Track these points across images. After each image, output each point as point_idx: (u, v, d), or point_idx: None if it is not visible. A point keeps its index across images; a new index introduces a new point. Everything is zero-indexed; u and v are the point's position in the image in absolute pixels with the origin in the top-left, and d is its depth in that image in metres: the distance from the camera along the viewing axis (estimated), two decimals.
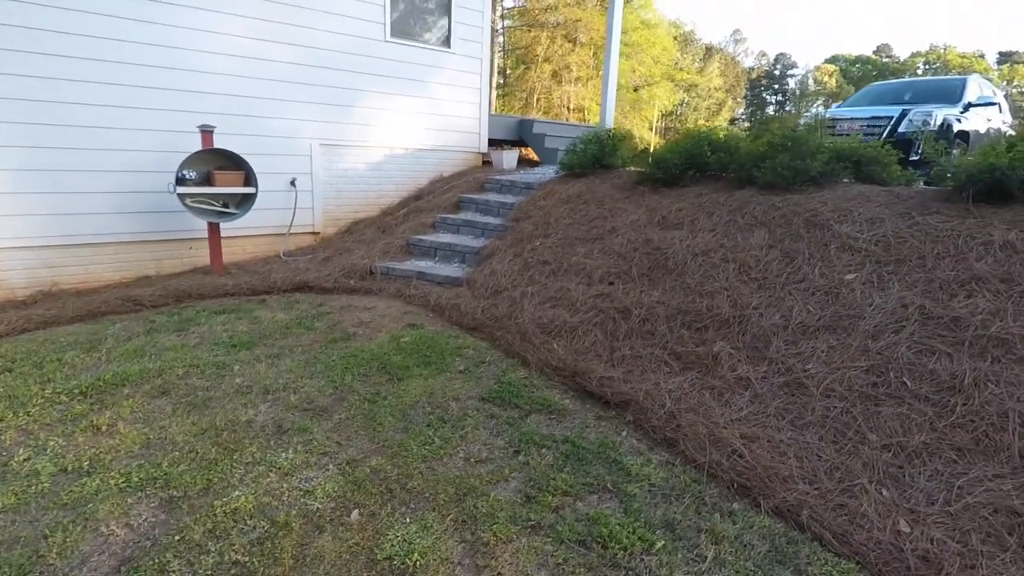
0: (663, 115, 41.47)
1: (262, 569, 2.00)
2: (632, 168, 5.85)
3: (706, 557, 2.05)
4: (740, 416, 2.71)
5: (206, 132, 5.19)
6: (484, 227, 5.66)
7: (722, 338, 3.21)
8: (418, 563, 2.02)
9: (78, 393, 3.22)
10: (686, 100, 44.33)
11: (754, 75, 56.94)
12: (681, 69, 40.01)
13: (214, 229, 5.43)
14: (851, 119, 7.10)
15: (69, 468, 2.56)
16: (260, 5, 5.81)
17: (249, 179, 5.40)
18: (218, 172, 5.29)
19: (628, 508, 2.30)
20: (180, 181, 5.11)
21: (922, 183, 4.60)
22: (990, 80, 10.95)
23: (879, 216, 3.70)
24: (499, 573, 1.98)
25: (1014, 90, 48.08)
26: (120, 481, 2.46)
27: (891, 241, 3.46)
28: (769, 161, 4.41)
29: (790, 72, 58.60)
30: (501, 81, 31.07)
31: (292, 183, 6.33)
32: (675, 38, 38.48)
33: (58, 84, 4.93)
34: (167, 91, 5.42)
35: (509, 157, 7.53)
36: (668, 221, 4.42)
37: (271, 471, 2.54)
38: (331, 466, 2.59)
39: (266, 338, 4.01)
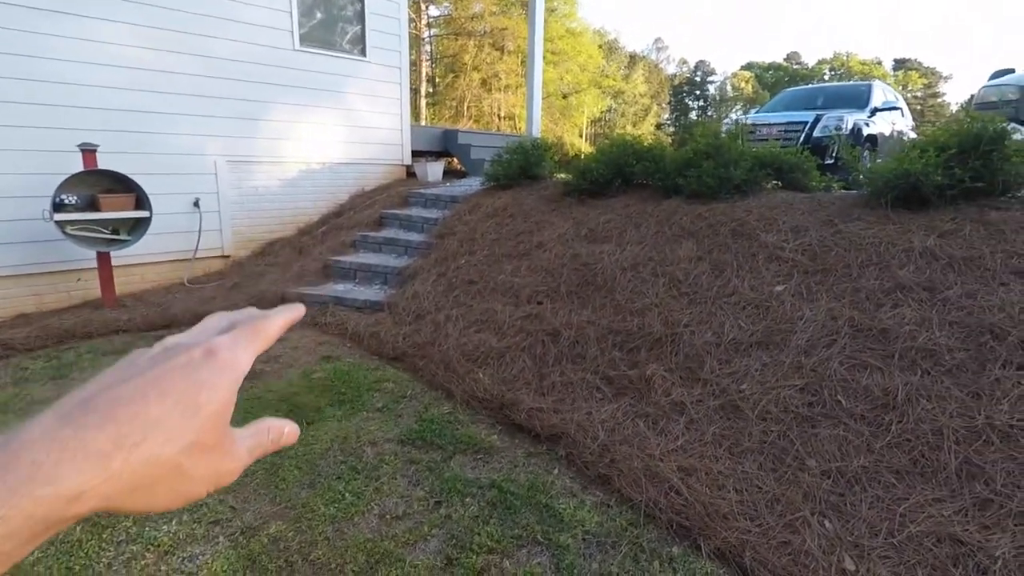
0: (592, 121, 42.29)
1: None
2: (560, 177, 5.71)
3: None
4: (676, 446, 2.55)
5: (88, 151, 4.63)
6: (407, 245, 5.36)
7: (655, 359, 3.06)
8: None
9: None
10: (613, 106, 45.41)
11: (676, 81, 59.10)
12: (607, 76, 40.98)
13: (104, 258, 4.87)
14: (769, 124, 7.27)
15: None
16: (151, 12, 5.28)
17: (141, 202, 4.87)
18: (104, 196, 4.73)
19: (560, 563, 2.07)
20: (58, 207, 4.53)
21: (839, 188, 4.68)
22: (890, 85, 11.64)
23: (803, 224, 3.68)
24: None
25: (909, 94, 52.08)
26: None
27: (816, 250, 3.43)
28: (694, 170, 4.36)
29: (710, 79, 61.18)
30: (431, 90, 30.72)
31: (196, 204, 5.80)
32: (600, 46, 39.36)
33: None
34: (39, 106, 4.81)
35: (434, 169, 7.26)
36: (596, 234, 4.28)
37: (147, 550, 2.16)
38: (221, 537, 2.23)
39: None
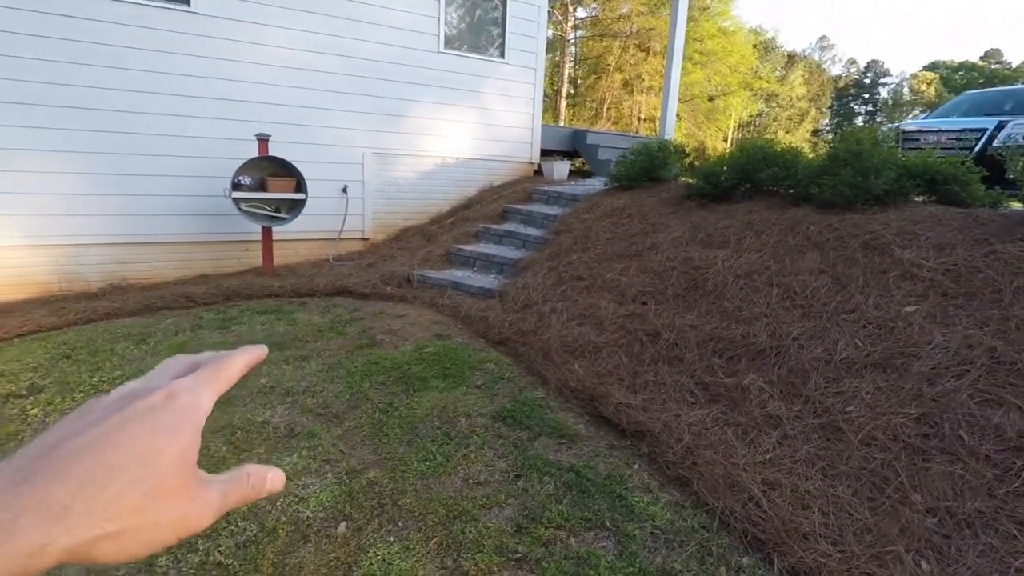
0: (740, 126, 39.97)
1: (241, 574, 1.99)
2: (684, 181, 5.59)
3: None
4: (764, 459, 2.47)
5: (262, 140, 5.39)
6: (525, 239, 5.57)
7: (755, 370, 2.95)
8: None
9: (120, 384, 3.38)
10: (765, 110, 42.54)
11: (841, 83, 53.92)
12: (760, 78, 38.44)
13: (266, 233, 5.64)
14: (937, 131, 6.50)
15: None
16: (315, 19, 6.00)
17: (300, 186, 5.57)
18: (271, 179, 5.49)
19: (624, 551, 2.13)
20: (236, 186, 5.33)
21: (1012, 205, 4.11)
22: None
23: (950, 242, 3.31)
24: None
25: None
26: None
27: (962, 271, 3.08)
28: (828, 177, 4.08)
29: (882, 80, 55.04)
30: (571, 91, 30.95)
31: (344, 190, 6.49)
32: (755, 46, 37.02)
33: (133, 95, 5.28)
34: (225, 101, 5.68)
35: (560, 168, 7.41)
36: (712, 239, 4.16)
37: None
38: (330, 474, 2.57)
39: (298, 340, 4.09)
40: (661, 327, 3.45)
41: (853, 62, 56.52)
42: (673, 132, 8.50)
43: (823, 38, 66.31)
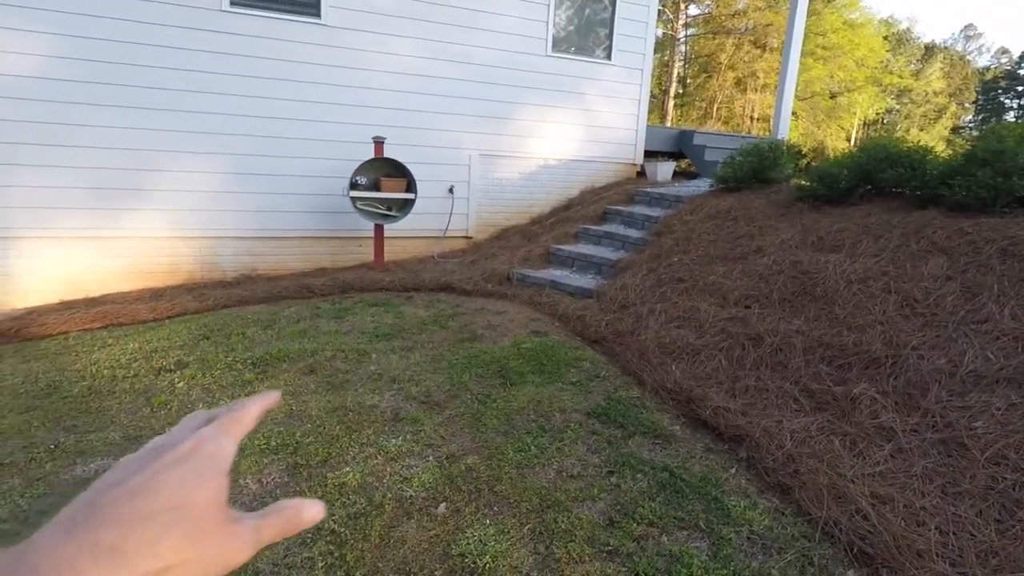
0: (865, 124, 36.85)
1: (352, 542, 2.20)
2: (796, 183, 5.32)
3: None
4: (875, 471, 2.34)
5: (378, 143, 5.80)
6: (625, 240, 5.56)
7: (867, 379, 2.79)
8: (488, 566, 2.06)
9: (250, 363, 3.81)
10: (895, 107, 38.91)
11: (989, 76, 48.17)
12: (891, 72, 35.20)
13: (378, 230, 6.05)
14: None
15: None
16: (432, 27, 6.34)
17: (410, 186, 5.92)
18: (385, 179, 5.88)
19: (718, 552, 2.11)
20: (353, 186, 5.77)
21: None
22: None
23: None
24: None
25: None
26: (262, 443, 2.86)
27: None
28: (962, 178, 3.73)
29: None
30: (680, 91, 30.06)
31: (450, 190, 6.80)
32: (885, 38, 33.97)
33: (265, 102, 5.88)
34: (346, 106, 6.17)
35: (664, 169, 7.29)
36: (825, 243, 3.95)
37: (380, 454, 2.77)
38: (432, 458, 2.75)
39: (404, 332, 4.37)
40: (764, 332, 3.34)
41: (1004, 51, 50.29)
42: (787, 131, 8.08)
43: (969, 26, 59.50)
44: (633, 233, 5.64)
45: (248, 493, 2.48)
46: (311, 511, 0.40)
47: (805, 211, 4.56)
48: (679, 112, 29.93)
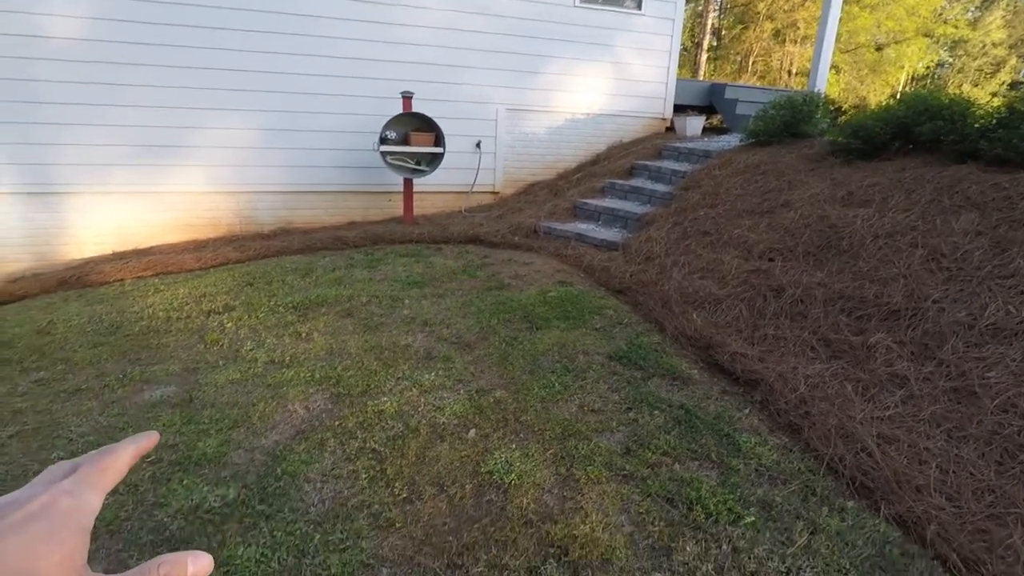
0: (913, 79, 34.95)
1: (391, 459, 2.42)
2: (829, 137, 5.23)
3: (795, 543, 1.97)
4: (883, 415, 2.44)
5: (406, 97, 5.86)
6: (651, 194, 5.58)
7: (885, 330, 2.86)
8: (513, 482, 2.26)
9: (291, 307, 4.04)
10: (948, 60, 36.73)
11: None
12: (945, 22, 33.11)
13: (408, 184, 6.17)
14: None
15: (276, 360, 3.28)
16: None
17: (439, 140, 6.00)
18: (414, 133, 5.96)
19: (726, 480, 2.27)
20: (383, 141, 5.88)
21: None
22: None
23: None
24: (582, 507, 2.14)
25: None
26: (306, 375, 3.09)
27: None
28: (1004, 131, 3.66)
29: None
30: (714, 43, 28.87)
31: (477, 145, 6.85)
32: None
33: (298, 59, 5.97)
34: (377, 62, 6.21)
35: (693, 124, 7.19)
36: (854, 197, 3.94)
37: (414, 387, 2.97)
38: (462, 391, 2.94)
39: (435, 280, 4.54)
40: (786, 283, 3.40)
41: None
42: (825, 85, 7.83)
43: None
44: (660, 188, 5.66)
45: (297, 417, 2.72)
46: (199, 565, 0.35)
47: (837, 166, 4.51)
48: (712, 66, 28.83)
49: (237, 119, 5.99)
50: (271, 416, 2.75)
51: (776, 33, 26.96)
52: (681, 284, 3.78)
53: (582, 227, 5.45)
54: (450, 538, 2.03)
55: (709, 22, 27.44)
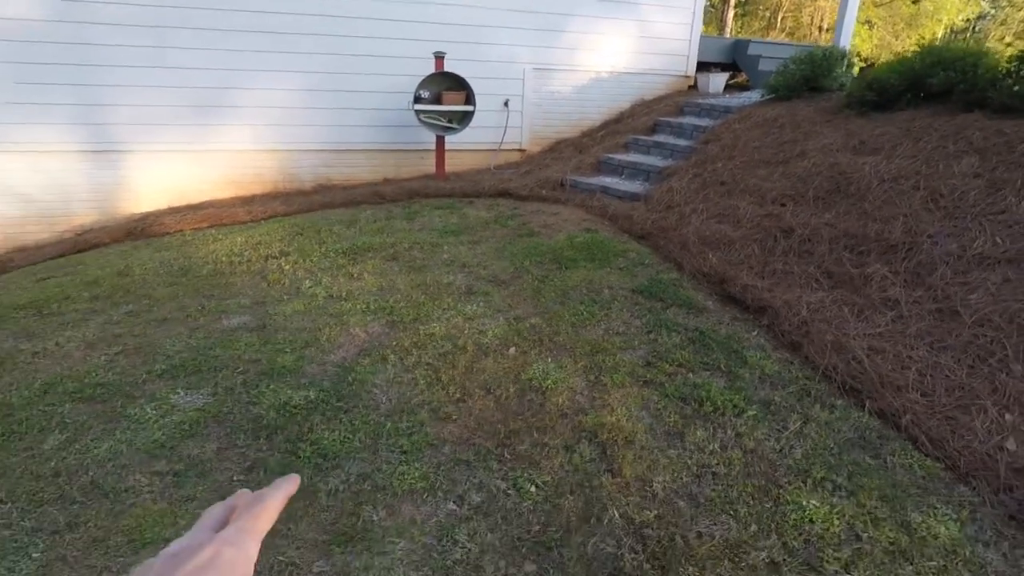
0: (952, 32, 33.59)
1: (443, 370, 2.84)
2: (846, 90, 5.40)
3: (789, 429, 2.35)
4: (874, 332, 2.78)
5: (439, 57, 6.13)
6: (673, 148, 5.83)
7: (883, 262, 3.16)
8: (549, 386, 2.67)
9: (341, 252, 4.45)
10: (990, 12, 35.15)
11: None
12: None
13: (440, 142, 6.49)
14: None
15: (333, 295, 3.71)
16: None
17: (469, 99, 6.28)
18: (446, 92, 6.25)
19: (733, 385, 2.64)
20: (416, 100, 6.18)
21: None
22: None
23: None
24: (608, 404, 2.54)
25: None
26: (363, 307, 3.51)
27: None
28: (1011, 80, 3.85)
29: None
30: None
31: (505, 104, 7.11)
32: None
33: (334, 21, 6.25)
34: (408, 23, 6.46)
35: (716, 81, 7.34)
36: (865, 146, 4.18)
37: (459, 315, 3.38)
38: (501, 319, 3.34)
39: (469, 229, 4.91)
40: (796, 225, 3.70)
41: None
42: (850, 40, 7.88)
43: None
44: (682, 142, 5.90)
45: (359, 339, 3.15)
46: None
47: (852, 117, 4.72)
48: (739, 23, 28.05)
49: (279, 80, 6.33)
50: (336, 339, 3.18)
51: None
52: (699, 228, 4.09)
53: (607, 180, 5.75)
54: (499, 426, 2.45)
55: None
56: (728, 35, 23.32)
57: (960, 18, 32.25)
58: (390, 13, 6.41)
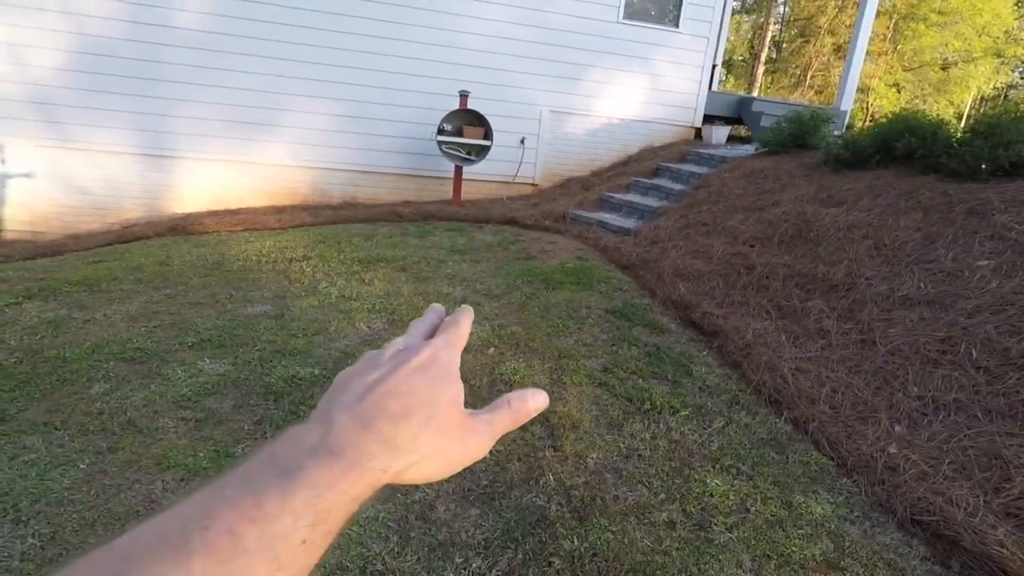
0: (982, 99, 33.89)
1: None
2: (826, 149, 5.88)
3: (713, 427, 2.76)
4: (804, 356, 3.19)
5: (463, 95, 6.79)
6: (669, 192, 6.34)
7: (823, 299, 3.58)
8: (517, 380, 3.12)
9: (357, 261, 5.00)
10: (1020, 81, 35.43)
11: None
12: (1017, 41, 32.08)
13: (458, 171, 7.10)
14: None
15: (345, 295, 4.23)
16: None
17: (488, 134, 6.90)
18: (467, 127, 6.89)
19: (675, 391, 3.07)
20: (440, 131, 6.82)
21: None
22: None
23: None
24: (564, 397, 2.99)
25: None
26: (369, 307, 4.03)
27: None
28: (959, 147, 4.30)
29: None
30: (774, 55, 28.85)
31: (522, 141, 7.73)
32: (1017, 3, 30.87)
33: (369, 57, 6.97)
34: (437, 63, 7.17)
35: (719, 133, 7.88)
36: (832, 199, 4.63)
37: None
38: (487, 325, 3.82)
39: (474, 250, 5.44)
40: (759, 263, 4.14)
41: None
42: (851, 103, 8.40)
43: None
44: (677, 187, 6.40)
45: (362, 332, 3.65)
46: (536, 401, 0.44)
47: (827, 173, 5.19)
48: (769, 79, 28.78)
49: (316, 105, 7.04)
50: (343, 330, 3.69)
51: (837, 48, 26.79)
52: (675, 262, 4.55)
53: (605, 216, 6.26)
54: (469, 406, 2.90)
55: (769, 34, 27.44)
56: (758, 91, 24.04)
57: (989, 86, 32.57)
58: (422, 54, 7.12)
